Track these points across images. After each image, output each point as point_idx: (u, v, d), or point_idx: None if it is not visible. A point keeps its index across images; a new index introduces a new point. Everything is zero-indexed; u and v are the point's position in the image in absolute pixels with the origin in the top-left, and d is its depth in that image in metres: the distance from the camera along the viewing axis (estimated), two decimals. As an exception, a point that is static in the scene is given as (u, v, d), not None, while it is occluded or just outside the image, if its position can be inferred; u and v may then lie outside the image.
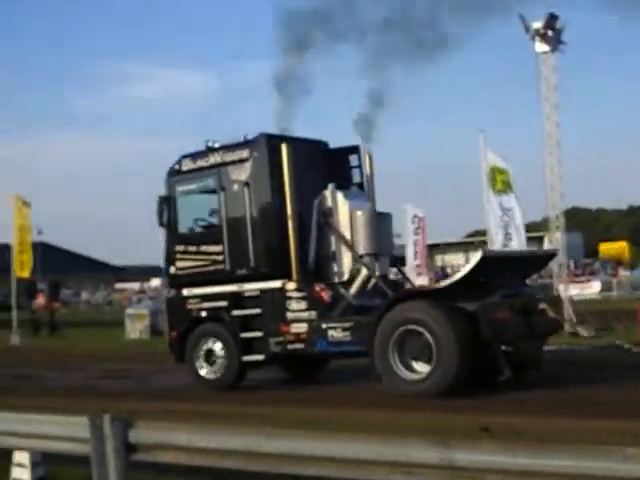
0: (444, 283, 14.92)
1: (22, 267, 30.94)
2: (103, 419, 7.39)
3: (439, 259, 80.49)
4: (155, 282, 74.16)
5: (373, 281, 15.50)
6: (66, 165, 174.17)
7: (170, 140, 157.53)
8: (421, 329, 13.64)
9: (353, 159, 17.00)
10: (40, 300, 45.41)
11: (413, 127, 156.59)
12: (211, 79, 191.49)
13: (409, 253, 29.49)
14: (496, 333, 13.58)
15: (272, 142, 15.76)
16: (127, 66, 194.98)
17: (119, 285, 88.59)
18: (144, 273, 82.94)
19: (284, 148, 15.55)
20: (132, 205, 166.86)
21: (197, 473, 8.19)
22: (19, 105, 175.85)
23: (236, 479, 7.98)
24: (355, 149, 17.06)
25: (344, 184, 16.25)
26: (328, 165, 16.64)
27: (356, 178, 16.90)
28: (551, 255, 18.02)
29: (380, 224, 16.04)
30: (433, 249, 50.46)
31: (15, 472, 8.53)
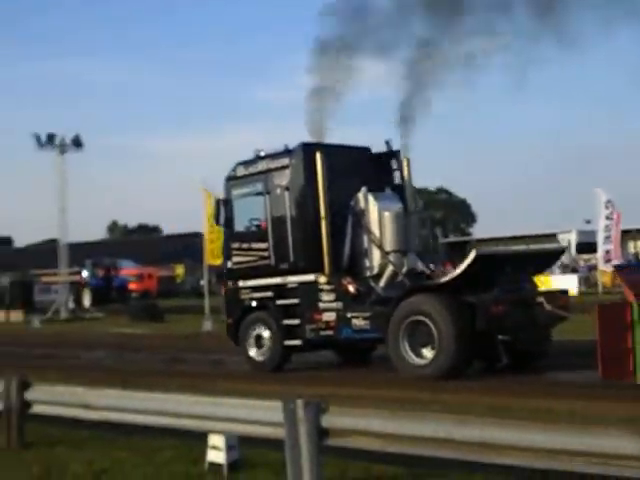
0: (445, 279, 16.09)
1: (214, 255, 31.80)
2: (296, 403, 7.52)
3: (632, 245, 77.60)
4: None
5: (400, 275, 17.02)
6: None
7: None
8: (425, 319, 15.37)
9: (394, 163, 18.35)
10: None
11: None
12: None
13: (599, 239, 28.57)
14: (490, 324, 15.15)
15: (309, 151, 17.32)
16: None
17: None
18: None
19: (318, 156, 17.07)
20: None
21: (383, 460, 8.24)
22: (209, 99, 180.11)
23: (423, 466, 7.99)
24: (395, 154, 18.40)
25: (380, 186, 17.69)
26: (371, 168, 18.14)
27: (397, 180, 18.26)
28: (560, 252, 19.59)
29: (408, 223, 17.65)
30: (625, 235, 48.81)
31: (211, 455, 8.78)
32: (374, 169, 18.22)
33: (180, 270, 68.22)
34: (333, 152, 17.60)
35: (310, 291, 17.25)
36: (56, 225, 45.35)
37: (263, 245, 17.92)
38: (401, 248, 17.33)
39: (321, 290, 17.09)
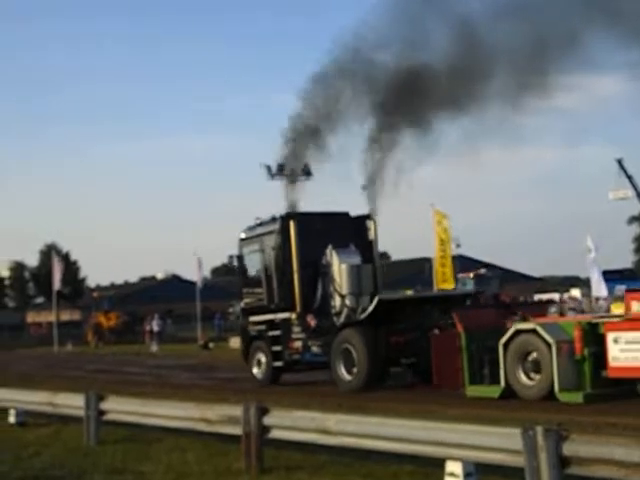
0: (362, 316, 20.32)
1: (444, 279, 31.69)
2: (536, 431, 7.32)
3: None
4: (575, 292, 72.56)
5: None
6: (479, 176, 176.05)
7: (590, 148, 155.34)
8: (350, 347, 19.98)
9: (368, 224, 23.03)
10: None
11: None
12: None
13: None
14: (392, 351, 19.82)
15: (286, 220, 22.22)
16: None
17: (538, 296, 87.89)
18: (564, 283, 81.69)
19: (292, 224, 21.92)
20: (555, 216, 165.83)
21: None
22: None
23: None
24: (368, 217, 23.27)
25: (349, 243, 22.15)
26: (346, 229, 22.70)
27: (370, 237, 22.90)
28: (466, 295, 23.64)
29: (362, 273, 21.85)
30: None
31: (448, 481, 8.68)
32: (349, 230, 22.73)
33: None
34: (310, 219, 22.62)
35: (287, 325, 22.10)
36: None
37: (260, 290, 22.86)
38: (355, 291, 21.53)
39: (293, 324, 21.95)
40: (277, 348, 22.19)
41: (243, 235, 23.74)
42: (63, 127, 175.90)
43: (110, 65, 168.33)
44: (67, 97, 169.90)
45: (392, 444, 9.34)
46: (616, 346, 15.20)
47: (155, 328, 51.55)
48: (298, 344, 21.84)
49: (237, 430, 10.74)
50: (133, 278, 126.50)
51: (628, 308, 15.48)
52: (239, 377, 23.91)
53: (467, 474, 8.54)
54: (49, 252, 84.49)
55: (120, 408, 13.40)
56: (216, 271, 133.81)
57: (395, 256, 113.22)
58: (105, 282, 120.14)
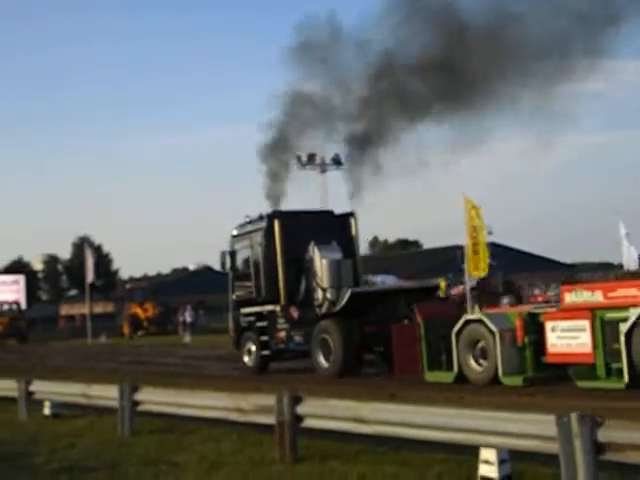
0: (337, 308, 21.81)
1: (475, 267, 31.53)
2: (571, 417, 7.27)
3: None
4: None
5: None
6: (510, 165, 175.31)
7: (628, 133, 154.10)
8: (327, 337, 21.49)
9: (351, 221, 24.50)
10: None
11: None
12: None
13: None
14: (364, 340, 21.39)
15: (272, 218, 23.75)
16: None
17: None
18: (595, 269, 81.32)
19: (276, 223, 23.46)
20: (581, 203, 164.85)
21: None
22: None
23: None
24: (351, 214, 24.69)
25: (333, 239, 23.68)
26: (330, 226, 24.21)
27: (352, 233, 24.47)
28: (433, 287, 25.10)
29: (342, 267, 23.33)
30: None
31: (482, 469, 8.65)
32: (333, 227, 24.27)
33: (441, 283, 68.14)
34: (295, 217, 24.14)
35: (272, 317, 23.63)
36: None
37: (249, 284, 24.44)
38: (335, 285, 22.94)
39: (278, 316, 23.45)
40: (264, 338, 23.84)
41: (235, 232, 25.39)
42: (94, 121, 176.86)
43: (134, 60, 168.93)
44: (95, 92, 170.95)
45: (426, 432, 9.33)
46: (553, 334, 16.59)
47: (188, 319, 51.78)
48: (283, 334, 23.40)
49: (271, 419, 10.77)
50: (165, 269, 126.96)
51: (562, 299, 16.98)
52: (270, 367, 23.94)
53: (501, 461, 8.53)
54: (82, 245, 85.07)
55: (154, 399, 13.47)
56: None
57: (427, 244, 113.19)
58: (138, 274, 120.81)
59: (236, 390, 13.52)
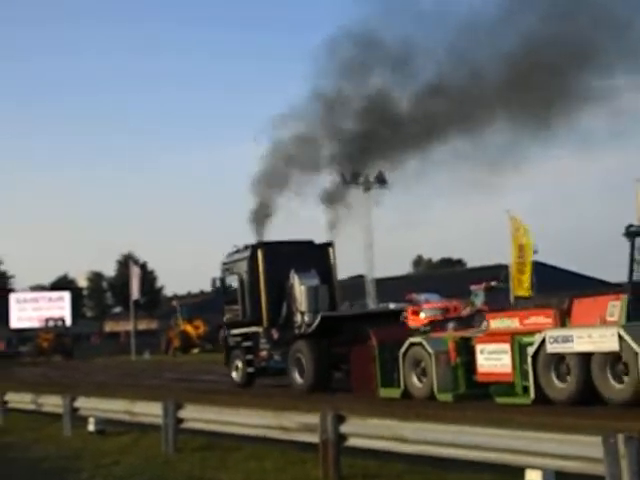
0: (309, 330, 24.11)
1: (521, 285, 31.34)
2: (617, 438, 7.18)
3: None
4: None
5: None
6: (557, 183, 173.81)
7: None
8: (301, 356, 23.70)
9: (329, 251, 26.77)
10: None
11: None
12: None
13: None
14: (333, 359, 23.52)
15: (255, 248, 26.14)
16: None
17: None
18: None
19: (259, 253, 25.81)
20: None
21: None
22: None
23: None
24: (329, 244, 26.99)
25: (308, 267, 25.59)
26: (310, 255, 26.27)
27: (330, 262, 26.61)
28: (397, 312, 27.48)
29: (319, 293, 25.32)
30: None
31: (528, 490, 8.56)
32: (313, 255, 26.36)
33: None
34: (277, 247, 26.34)
35: (256, 337, 25.99)
36: (363, 261, 46.52)
37: (236, 307, 26.73)
38: (312, 309, 24.85)
39: (260, 337, 25.83)
40: (249, 357, 26.26)
41: (225, 260, 27.91)
42: (140, 138, 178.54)
43: (182, 73, 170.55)
44: (142, 108, 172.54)
45: (470, 452, 9.25)
46: (482, 356, 18.60)
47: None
48: (264, 353, 25.83)
49: (314, 438, 10.74)
50: (209, 287, 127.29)
51: (489, 325, 19.31)
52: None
53: (547, 483, 8.42)
54: (126, 262, 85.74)
55: (198, 416, 13.50)
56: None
57: (471, 263, 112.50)
58: (182, 291, 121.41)
59: (279, 408, 13.52)
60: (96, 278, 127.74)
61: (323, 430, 10.52)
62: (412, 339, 20.23)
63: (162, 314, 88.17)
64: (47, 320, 69.13)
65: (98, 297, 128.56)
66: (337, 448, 10.49)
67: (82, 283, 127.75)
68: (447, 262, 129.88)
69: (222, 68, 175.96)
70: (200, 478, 11.29)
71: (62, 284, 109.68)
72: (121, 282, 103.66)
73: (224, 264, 27.80)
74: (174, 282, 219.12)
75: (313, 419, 10.81)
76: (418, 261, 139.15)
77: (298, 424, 11.29)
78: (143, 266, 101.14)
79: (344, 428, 10.50)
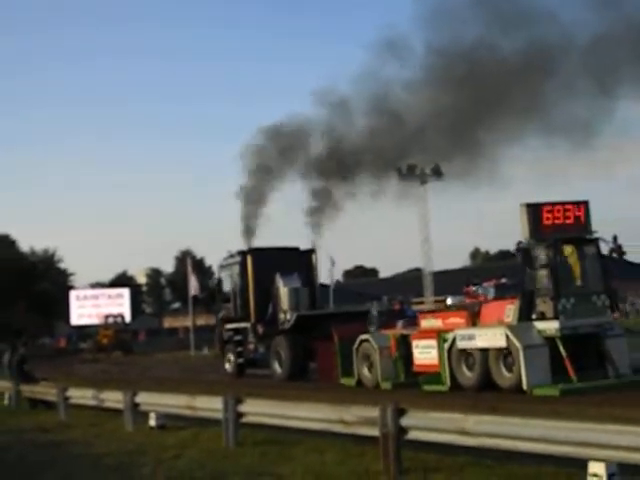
0: (286, 326, 28.10)
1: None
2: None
3: None
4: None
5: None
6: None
7: None
8: (280, 349, 27.55)
9: (312, 256, 30.84)
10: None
11: None
12: None
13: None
14: (307, 353, 26.67)
15: (245, 254, 30.16)
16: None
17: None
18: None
19: (248, 258, 29.77)
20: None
21: None
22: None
23: None
24: (312, 250, 31.17)
25: (292, 271, 29.20)
26: (295, 260, 29.98)
27: (313, 266, 30.59)
28: (364, 312, 29.57)
29: (299, 294, 28.88)
30: None
31: (591, 483, 8.46)
32: (297, 260, 30.06)
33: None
34: (265, 253, 30.00)
35: (245, 332, 29.91)
36: (420, 254, 46.35)
37: (230, 305, 30.80)
38: (293, 308, 28.42)
39: (248, 332, 29.71)
40: (239, 349, 30.04)
41: (222, 263, 32.04)
42: (194, 137, 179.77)
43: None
44: (192, 109, 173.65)
45: (533, 444, 9.16)
46: (417, 350, 21.76)
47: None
48: (252, 346, 29.62)
49: (374, 431, 10.72)
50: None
51: (419, 324, 22.55)
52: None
53: (610, 475, 8.29)
54: (184, 259, 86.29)
55: (258, 410, 13.55)
56: (348, 274, 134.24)
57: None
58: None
59: (338, 402, 13.51)
60: (155, 275, 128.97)
61: (383, 423, 10.49)
62: (363, 336, 23.31)
63: (220, 309, 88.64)
64: (107, 317, 69.91)
65: (157, 293, 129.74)
66: (397, 441, 10.45)
67: (141, 280, 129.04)
68: (505, 254, 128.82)
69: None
70: (261, 472, 11.32)
71: (121, 281, 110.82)
72: (179, 278, 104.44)
73: (220, 267, 32.17)
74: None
75: (373, 412, 10.79)
76: (475, 253, 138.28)
77: (358, 417, 11.27)
78: (200, 262, 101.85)
79: (404, 421, 10.46)
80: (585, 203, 19.89)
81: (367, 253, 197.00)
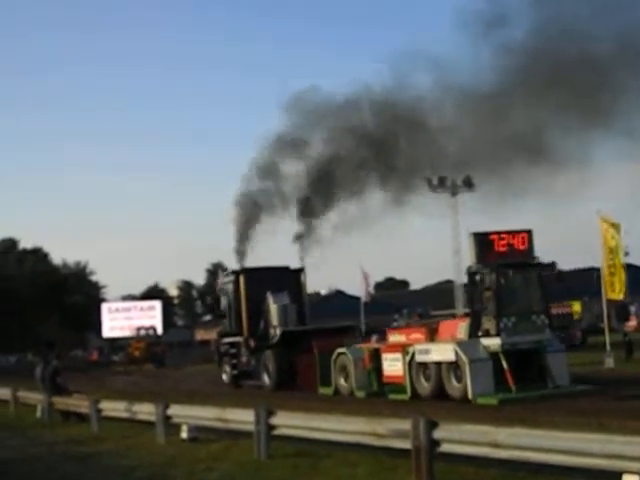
0: (274, 341, 30.43)
1: (613, 289, 30.66)
2: None
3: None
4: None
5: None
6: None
7: None
8: (268, 362, 30.15)
9: (301, 275, 33.28)
10: (632, 322, 44.97)
11: None
12: None
13: None
14: (293, 365, 28.76)
15: (238, 273, 32.90)
16: None
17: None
18: None
19: (241, 277, 32.44)
20: None
21: None
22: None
23: None
24: (302, 269, 33.62)
25: (282, 289, 31.46)
26: (286, 278, 32.40)
27: (301, 284, 32.98)
28: (348, 327, 31.28)
29: (288, 310, 31.02)
30: None
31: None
32: (288, 279, 32.43)
33: (577, 307, 66.59)
34: (257, 272, 32.68)
35: (238, 346, 32.52)
36: (451, 266, 46.18)
37: (226, 321, 33.69)
38: (282, 324, 30.64)
39: (242, 346, 32.25)
40: (234, 362, 32.70)
41: (218, 282, 35.21)
42: (222, 148, 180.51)
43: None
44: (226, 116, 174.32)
45: (566, 457, 9.08)
46: (386, 362, 24.04)
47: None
48: (245, 359, 32.23)
49: (406, 444, 10.67)
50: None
51: (387, 339, 25.35)
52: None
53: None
54: (215, 271, 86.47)
55: (289, 423, 13.52)
56: (379, 286, 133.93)
57: (562, 266, 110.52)
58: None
59: (370, 414, 13.46)
60: (186, 287, 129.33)
61: (415, 436, 10.44)
62: (340, 349, 25.72)
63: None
64: (138, 329, 70.20)
65: (188, 306, 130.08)
66: (430, 454, 10.40)
67: (172, 292, 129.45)
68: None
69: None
70: (293, 484, 11.30)
71: (153, 293, 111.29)
72: (211, 291, 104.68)
73: (217, 285, 35.37)
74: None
75: (405, 425, 10.74)
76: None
77: (390, 430, 11.23)
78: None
79: (437, 434, 10.41)
80: (528, 232, 22.16)
81: (398, 265, 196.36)
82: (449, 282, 57.47)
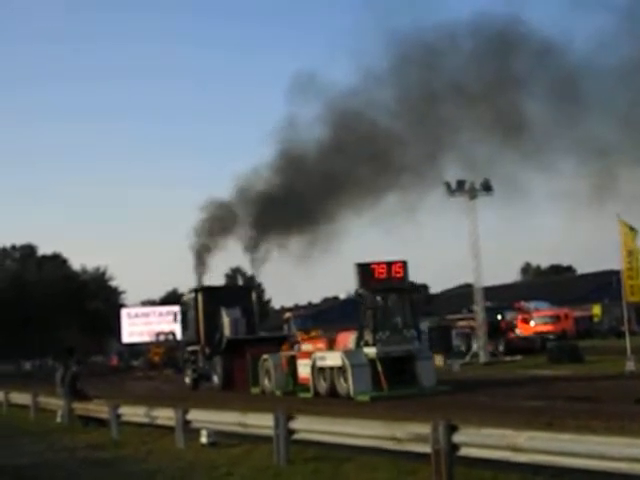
0: (221, 349, 35.92)
1: (633, 292, 30.51)
2: None
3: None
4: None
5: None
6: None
7: None
8: (217, 366, 36.28)
9: (252, 293, 40.09)
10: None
11: None
12: None
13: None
14: (234, 368, 34.38)
15: (197, 291, 39.35)
16: None
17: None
18: None
19: (199, 295, 38.85)
20: None
21: None
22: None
23: None
24: (251, 287, 43.07)
25: (235, 304, 37.06)
26: (241, 295, 39.10)
27: (252, 300, 38.91)
28: (283, 337, 35.99)
29: (238, 323, 36.43)
30: None
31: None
32: (240, 295, 39.07)
33: (597, 310, 66.41)
34: (214, 290, 39.90)
35: (197, 353, 38.22)
36: (470, 269, 45.94)
37: (189, 331, 39.88)
38: (233, 334, 36.05)
39: (199, 353, 38.06)
40: (194, 367, 38.42)
41: (183, 298, 43.35)
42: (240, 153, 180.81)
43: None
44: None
45: (587, 461, 9.02)
46: (300, 366, 29.40)
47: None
48: (201, 365, 37.98)
49: (426, 448, 10.63)
50: (316, 299, 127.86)
51: (301, 347, 30.47)
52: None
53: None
54: (234, 276, 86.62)
55: (309, 427, 13.51)
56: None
57: (581, 269, 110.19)
58: (289, 304, 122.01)
59: (389, 419, 13.42)
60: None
61: (435, 440, 10.40)
62: (264, 356, 31.20)
63: (271, 326, 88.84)
64: (158, 334, 70.28)
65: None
66: (450, 458, 10.36)
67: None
68: (556, 269, 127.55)
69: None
70: (312, 489, 11.29)
71: (172, 299, 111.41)
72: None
73: (181, 301, 43.67)
74: (281, 295, 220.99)
75: (425, 429, 10.70)
76: (526, 268, 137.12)
77: (410, 434, 11.19)
78: (251, 279, 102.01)
79: (456, 438, 10.37)
80: (404, 262, 27.36)
81: (417, 269, 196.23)
82: (469, 286, 57.18)
